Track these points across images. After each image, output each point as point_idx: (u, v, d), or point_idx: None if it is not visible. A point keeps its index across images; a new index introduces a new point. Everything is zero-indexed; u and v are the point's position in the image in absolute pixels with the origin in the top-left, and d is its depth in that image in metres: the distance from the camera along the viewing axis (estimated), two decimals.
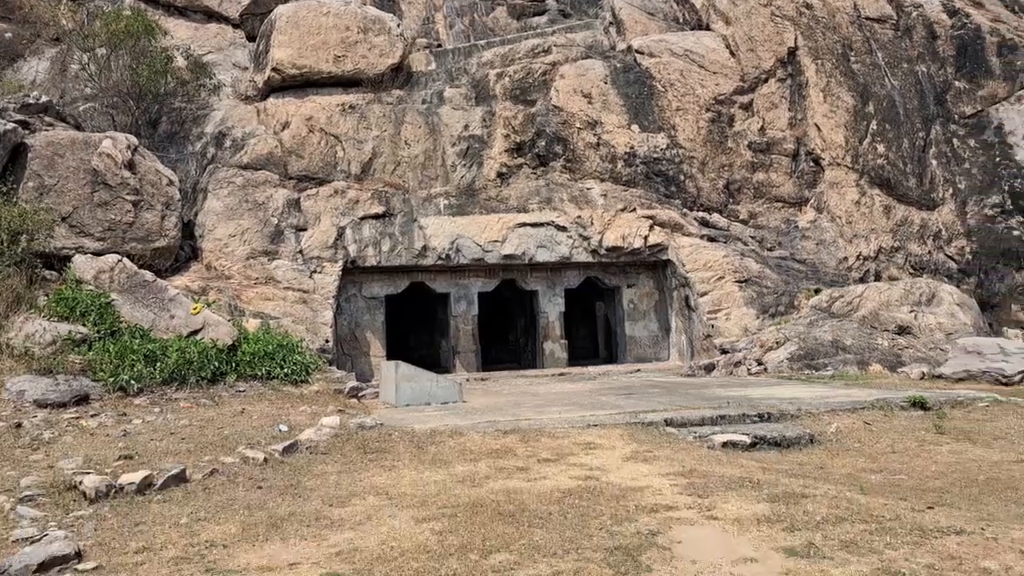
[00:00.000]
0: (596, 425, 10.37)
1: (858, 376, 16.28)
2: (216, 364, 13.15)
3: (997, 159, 25.19)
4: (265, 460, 8.38)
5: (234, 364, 13.41)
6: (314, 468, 8.27)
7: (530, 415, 11.58)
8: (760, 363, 18.21)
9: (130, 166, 17.48)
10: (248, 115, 21.27)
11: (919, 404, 11.44)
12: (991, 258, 23.71)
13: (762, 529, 5.73)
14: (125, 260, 15.41)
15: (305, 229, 19.36)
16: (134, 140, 18.15)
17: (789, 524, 5.81)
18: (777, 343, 18.65)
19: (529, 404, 13.35)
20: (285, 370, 13.40)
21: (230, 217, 19.15)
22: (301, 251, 19.08)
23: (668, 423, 10.63)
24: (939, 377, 14.71)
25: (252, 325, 17.36)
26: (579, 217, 20.38)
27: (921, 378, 15.08)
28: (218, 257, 18.66)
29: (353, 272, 19.61)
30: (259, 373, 13.26)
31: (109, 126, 20.31)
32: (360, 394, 15.49)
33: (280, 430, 9.85)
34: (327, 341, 17.72)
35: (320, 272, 18.92)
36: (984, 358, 14.34)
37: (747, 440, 9.84)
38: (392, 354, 22.40)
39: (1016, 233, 24.12)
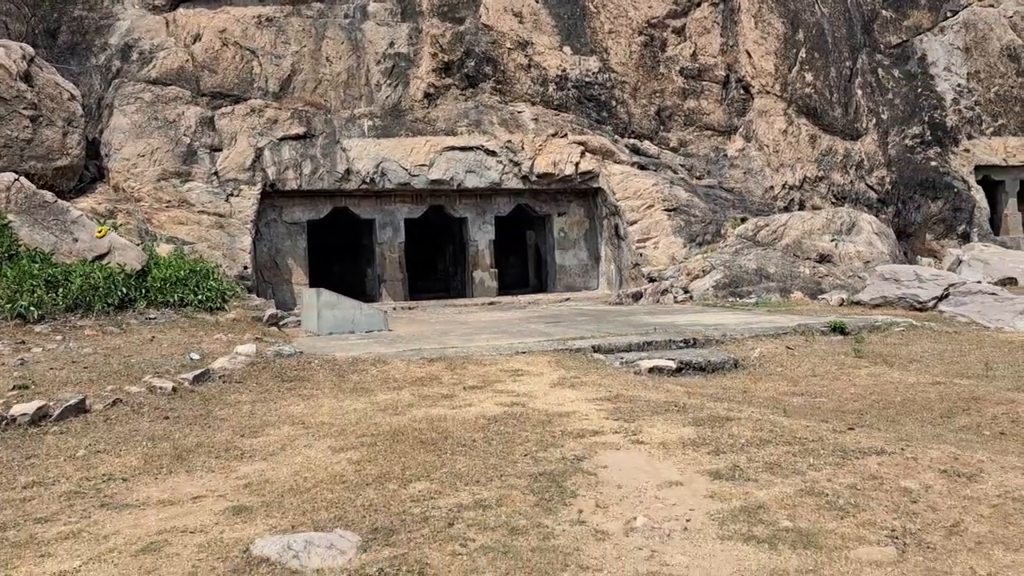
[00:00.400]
0: (524, 352, 10.21)
1: (780, 303, 16.57)
2: (124, 290, 12.42)
3: (919, 90, 25.64)
4: (174, 389, 7.92)
5: (144, 290, 12.70)
6: (227, 397, 7.87)
7: (457, 343, 11.35)
8: (686, 291, 18.37)
9: (26, 78, 16.12)
10: (156, 26, 19.79)
11: (839, 329, 11.65)
12: (909, 188, 24.32)
13: (687, 453, 5.65)
14: (23, 179, 14.30)
15: (220, 150, 18.36)
16: (30, 50, 16.72)
17: (714, 447, 5.74)
18: (703, 271, 18.80)
19: (457, 332, 13.11)
20: (199, 297, 12.77)
21: (139, 135, 17.98)
22: (216, 173, 18.13)
23: (596, 349, 10.55)
24: (857, 303, 15.07)
25: (164, 250, 16.51)
26: (509, 142, 19.89)
27: (840, 304, 15.43)
28: (127, 178, 17.57)
29: (273, 196, 18.79)
30: (171, 300, 12.61)
31: (2, 35, 18.63)
32: (281, 322, 14.98)
33: (191, 358, 9.36)
34: (246, 268, 17.03)
35: (237, 195, 18.05)
36: (900, 285, 14.72)
37: (673, 365, 9.83)
38: (315, 282, 21.78)
39: (933, 164, 24.75)
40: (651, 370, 9.69)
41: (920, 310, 14.07)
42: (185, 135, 18.24)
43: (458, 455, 5.67)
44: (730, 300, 17.79)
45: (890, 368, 9.45)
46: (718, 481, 5.04)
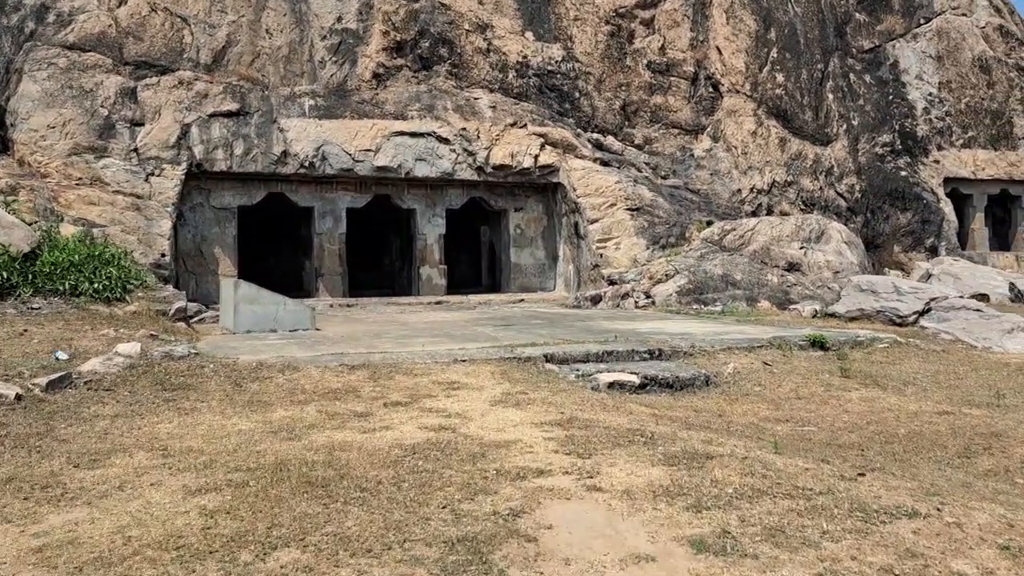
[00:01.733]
0: (465, 360, 8.76)
1: (749, 312, 15.38)
2: (6, 274, 10.67)
3: (890, 97, 24.83)
4: (17, 398, 6.30)
5: (31, 276, 10.96)
6: (82, 410, 6.27)
7: (389, 347, 9.85)
8: (648, 296, 17.10)
9: None
10: None
11: (818, 344, 10.44)
12: (878, 197, 23.46)
13: (660, 507, 4.26)
14: None
15: (142, 124, 16.56)
16: None
17: (695, 499, 4.37)
18: (667, 276, 17.57)
19: (393, 334, 11.61)
20: (95, 285, 11.06)
21: (49, 104, 16.10)
22: (136, 149, 16.32)
23: (548, 359, 9.15)
24: (832, 315, 13.94)
25: (70, 232, 14.72)
26: (464, 129, 18.43)
27: (814, 316, 14.29)
28: (33, 151, 15.69)
29: (200, 177, 17.04)
30: (62, 288, 10.88)
31: None
32: (198, 317, 13.34)
33: (57, 358, 7.72)
34: (163, 255, 15.29)
35: (159, 175, 16.27)
36: (879, 297, 13.63)
37: (636, 381, 8.48)
38: (246, 274, 20.04)
39: (903, 173, 23.95)
40: (611, 385, 8.33)
41: (900, 325, 12.97)
42: (103, 106, 16.40)
43: (352, 505, 4.19)
44: (695, 307, 16.57)
45: (883, 391, 8.21)
46: (703, 556, 3.66)
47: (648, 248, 18.72)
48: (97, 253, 11.55)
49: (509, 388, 7.59)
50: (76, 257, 11.23)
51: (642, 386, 8.48)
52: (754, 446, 5.70)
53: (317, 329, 12.26)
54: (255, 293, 11.85)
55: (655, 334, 11.37)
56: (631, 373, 8.73)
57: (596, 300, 17.11)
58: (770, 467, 4.99)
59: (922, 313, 13.02)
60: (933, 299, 13.23)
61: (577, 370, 8.81)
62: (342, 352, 9.10)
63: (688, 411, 7.38)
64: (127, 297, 11.41)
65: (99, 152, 16.05)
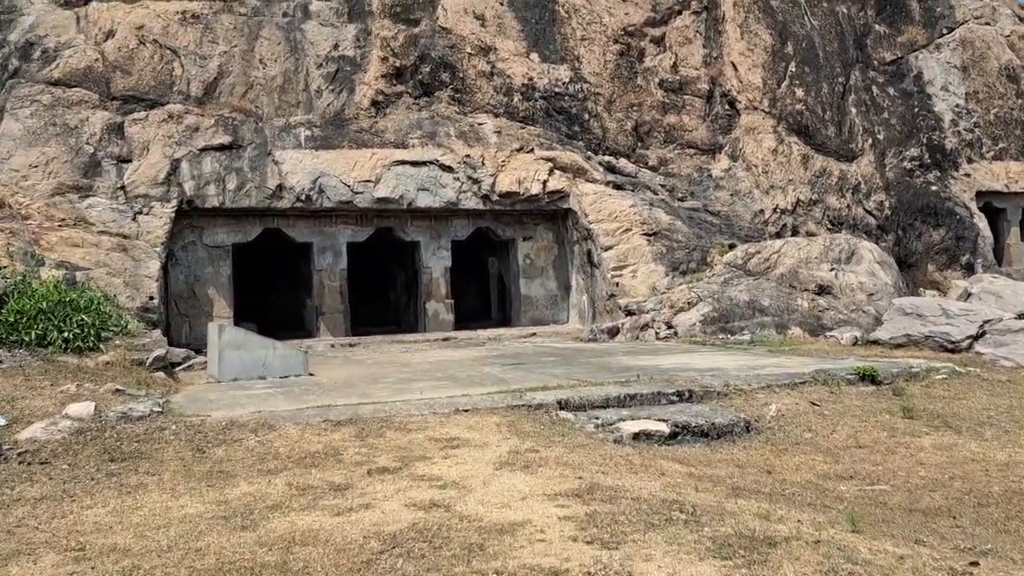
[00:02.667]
0: (467, 410, 7.65)
1: (781, 341, 14.18)
2: None
3: (916, 109, 23.73)
4: None
5: None
6: (4, 491, 5.21)
7: (385, 394, 8.77)
8: (670, 326, 15.95)
9: None
10: (66, 21, 17.18)
11: (869, 377, 9.25)
12: (909, 214, 22.26)
13: None
14: None
15: (129, 161, 15.73)
16: None
17: None
18: (689, 304, 16.42)
19: (392, 378, 10.53)
20: (65, 334, 10.07)
21: (32, 143, 15.32)
22: (123, 187, 15.47)
23: (562, 405, 8.02)
24: (875, 343, 12.73)
25: (51, 276, 13.81)
26: (468, 156, 17.48)
27: (855, 343, 13.08)
28: (14, 192, 14.86)
29: (191, 215, 16.15)
30: (27, 338, 9.90)
31: None
32: (186, 364, 12.36)
33: None
34: (151, 298, 14.34)
35: (147, 213, 15.39)
36: (926, 321, 12.42)
37: (665, 430, 7.34)
38: (245, 315, 19.11)
39: (934, 188, 22.76)
40: (637, 436, 7.19)
41: (952, 351, 11.75)
42: (88, 143, 15.60)
43: None
44: (720, 337, 15.40)
45: (958, 435, 7.02)
46: None
47: (667, 275, 17.60)
48: (69, 299, 10.57)
49: (517, 444, 6.47)
50: (45, 304, 10.26)
51: (673, 436, 7.34)
52: (823, 520, 4.54)
53: (310, 374, 11.21)
54: (241, 338, 10.82)
55: (681, 370, 10.22)
56: (659, 420, 7.59)
57: (613, 333, 15.97)
58: (854, 557, 3.84)
59: (976, 337, 11.79)
60: (987, 321, 12.00)
61: (596, 418, 7.68)
62: (329, 404, 8.02)
63: (730, 467, 6.22)
64: (101, 346, 10.41)
65: (84, 191, 15.21)
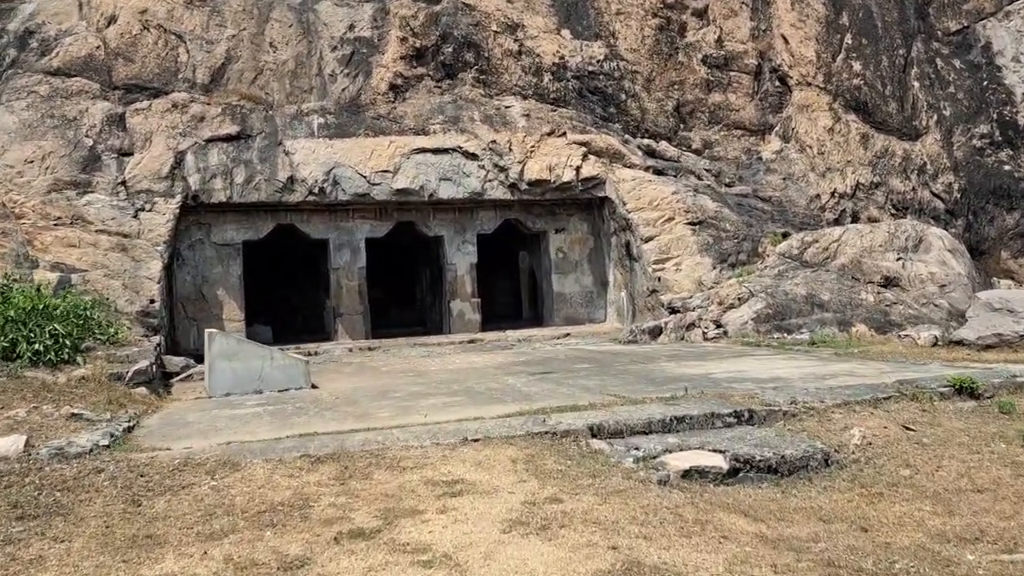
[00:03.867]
0: (478, 440, 6.28)
1: (848, 342, 12.56)
2: None
3: (984, 83, 21.69)
4: None
5: None
6: None
7: (385, 415, 7.47)
8: (719, 325, 14.41)
9: None
10: (67, 8, 16.19)
11: (966, 390, 7.66)
12: (980, 197, 20.31)
13: None
14: None
15: (131, 154, 14.68)
16: None
17: None
18: (739, 299, 14.85)
19: (401, 392, 9.22)
20: (36, 346, 8.95)
21: (27, 137, 14.34)
22: (124, 182, 14.42)
23: (595, 432, 6.60)
24: (959, 343, 11.05)
25: (45, 280, 12.81)
26: (494, 142, 16.10)
27: (934, 344, 11.41)
28: (8, 190, 13.89)
29: (198, 211, 15.06)
30: None
31: None
32: (185, 374, 11.26)
33: None
34: (152, 301, 13.26)
35: (149, 210, 14.32)
36: (1019, 317, 10.73)
37: (723, 465, 5.89)
38: (263, 317, 18.05)
39: (1007, 168, 20.75)
40: (687, 475, 5.76)
41: None
42: (88, 136, 14.58)
43: None
44: (776, 337, 13.82)
45: None
46: None
47: (714, 267, 16.03)
48: (43, 306, 9.45)
49: (536, 490, 5.10)
50: (14, 312, 9.15)
51: (733, 473, 5.89)
52: None
53: (314, 387, 9.97)
54: (234, 347, 9.61)
55: (736, 381, 8.74)
56: (714, 451, 6.14)
57: (655, 333, 14.48)
58: None
59: None
60: None
61: (636, 449, 6.25)
62: (315, 432, 6.71)
63: (813, 523, 4.76)
64: (79, 358, 9.28)
65: (82, 187, 14.19)
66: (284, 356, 9.84)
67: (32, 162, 14.21)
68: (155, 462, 5.65)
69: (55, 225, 13.67)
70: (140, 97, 15.26)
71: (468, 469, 5.59)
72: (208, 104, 15.35)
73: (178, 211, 14.51)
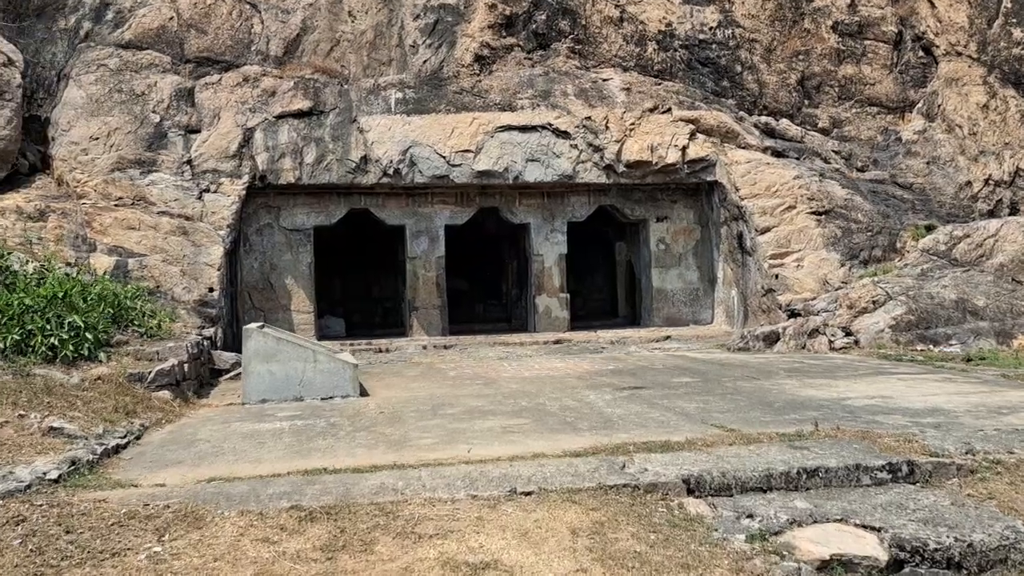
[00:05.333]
0: (531, 492, 4.65)
1: (1016, 359, 10.19)
2: None
3: None
4: None
5: None
6: None
7: (427, 442, 5.96)
8: (848, 332, 12.21)
9: None
10: None
11: None
12: None
13: None
14: None
15: (198, 131, 13.77)
16: None
17: None
18: (874, 302, 12.59)
19: (459, 407, 7.70)
20: (51, 340, 7.91)
21: (94, 112, 13.64)
22: (190, 161, 13.52)
23: (692, 487, 4.85)
24: None
25: (102, 265, 12.03)
26: (589, 119, 14.35)
27: None
28: (72, 168, 13.22)
29: (266, 193, 14.03)
30: (2, 344, 7.80)
31: None
32: (233, 374, 10.15)
33: None
34: (211, 290, 12.26)
35: (214, 191, 13.37)
36: None
37: (881, 556, 4.06)
38: (338, 308, 16.99)
39: None
40: (826, 567, 3.96)
41: None
42: (155, 112, 13.76)
43: None
44: (920, 349, 11.54)
45: None
46: None
47: (843, 265, 13.77)
48: (64, 291, 8.42)
49: None
50: (31, 300, 8.15)
51: (895, 567, 4.04)
52: None
53: (364, 394, 8.60)
54: (273, 347, 8.32)
55: (881, 411, 6.76)
56: (863, 528, 4.31)
57: (771, 340, 12.42)
58: None
59: None
60: None
61: (749, 517, 4.47)
62: (324, 469, 5.25)
63: None
64: (100, 354, 8.20)
65: (146, 166, 13.36)
66: (330, 359, 8.49)
67: (97, 139, 13.49)
68: (96, 512, 4.29)
69: (116, 206, 12.88)
70: (211, 71, 14.34)
71: (508, 542, 3.97)
72: (280, 78, 14.28)
73: (244, 193, 13.51)
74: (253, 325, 8.59)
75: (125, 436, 6.22)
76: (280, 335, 8.61)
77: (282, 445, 6.10)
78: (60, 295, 8.34)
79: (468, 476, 4.89)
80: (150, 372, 7.95)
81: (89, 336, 8.18)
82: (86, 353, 8.11)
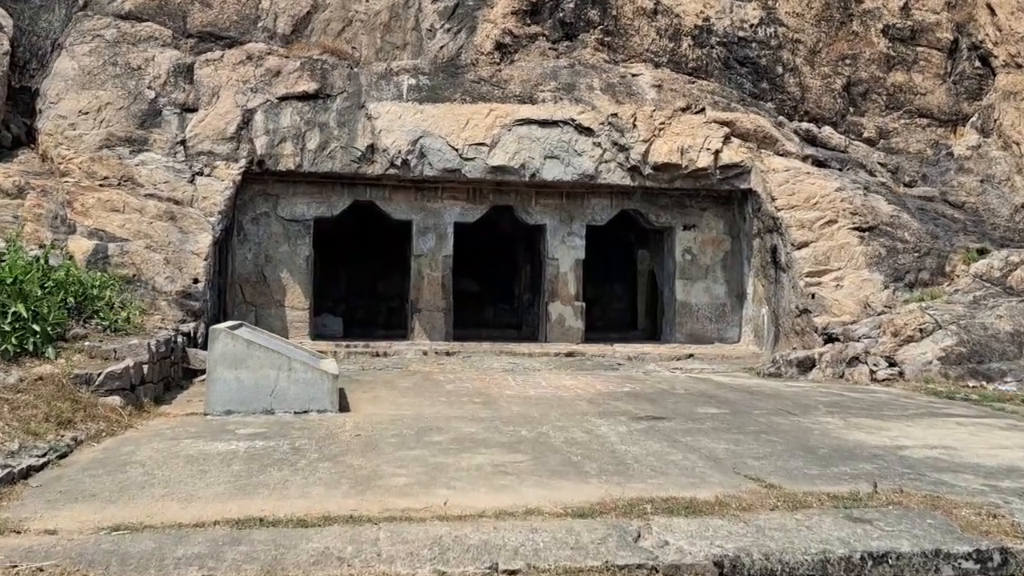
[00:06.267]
0: (515, 573, 3.58)
1: None
2: None
3: None
4: None
5: None
6: None
7: (398, 485, 4.92)
8: (892, 363, 11.03)
9: None
10: None
11: None
12: None
13: None
14: None
15: (195, 110, 12.82)
16: None
17: None
18: (921, 330, 11.39)
19: (447, 433, 6.65)
20: None
21: (85, 85, 12.73)
22: (184, 141, 12.58)
23: (725, 572, 3.76)
24: None
25: (80, 248, 11.11)
26: (615, 116, 13.26)
27: None
28: (58, 143, 12.32)
29: (264, 180, 13.06)
30: None
31: None
32: (202, 377, 9.11)
33: None
34: (195, 281, 11.30)
35: (208, 175, 12.42)
36: None
37: None
38: (340, 305, 16.03)
39: None
40: None
41: None
42: (150, 87, 12.83)
43: None
44: (972, 385, 10.36)
45: None
46: None
47: (886, 287, 12.58)
48: (11, 280, 7.45)
49: None
50: None
51: None
52: None
53: (343, 408, 7.57)
54: (242, 351, 7.31)
55: (947, 467, 5.64)
56: None
57: (806, 366, 11.26)
58: None
59: None
60: None
61: None
62: (260, 519, 4.20)
63: None
64: (49, 350, 7.23)
65: (137, 145, 12.44)
66: (307, 368, 7.46)
67: (87, 113, 12.58)
68: None
69: (100, 186, 11.95)
70: (213, 47, 13.39)
71: None
72: (286, 57, 13.30)
73: (240, 177, 12.55)
74: (223, 325, 7.60)
75: (45, 455, 5.23)
76: (253, 337, 7.60)
77: (227, 476, 5.08)
78: (10, 281, 7.36)
79: (439, 543, 3.82)
80: (99, 374, 6.96)
81: (36, 328, 7.21)
82: (31, 348, 7.14)
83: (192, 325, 10.65)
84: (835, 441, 6.69)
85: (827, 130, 14.61)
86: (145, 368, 7.59)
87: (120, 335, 8.52)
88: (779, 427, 7.27)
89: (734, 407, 8.39)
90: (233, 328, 7.68)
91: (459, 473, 5.28)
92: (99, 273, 9.49)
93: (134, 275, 11.00)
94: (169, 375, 8.74)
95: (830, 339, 11.87)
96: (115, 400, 6.89)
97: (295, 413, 7.31)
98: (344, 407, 7.67)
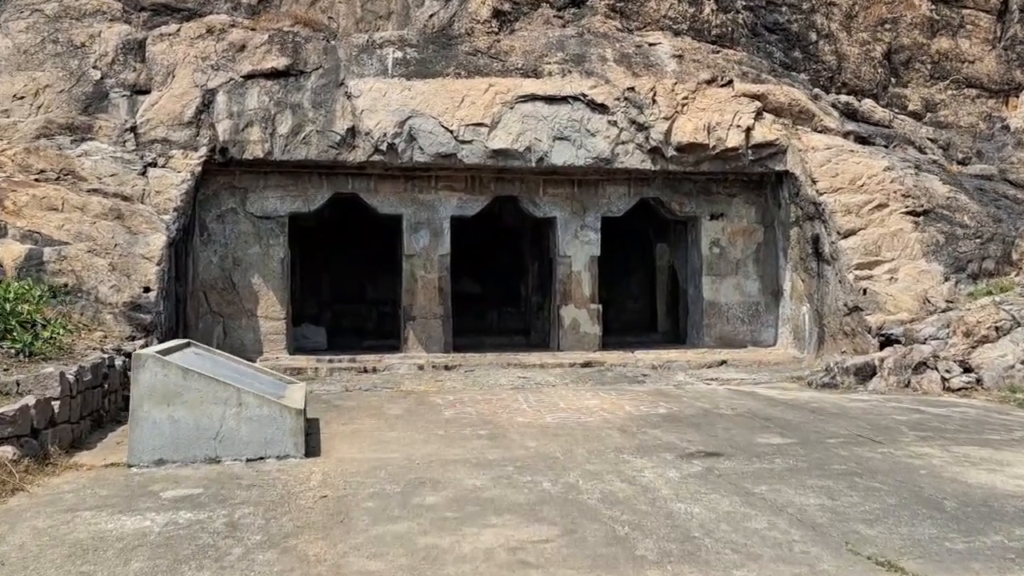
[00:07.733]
0: None
1: None
2: None
3: None
4: None
5: None
6: None
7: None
8: (967, 368, 9.36)
9: None
10: None
11: None
12: None
13: None
14: None
15: (148, 91, 11.15)
16: None
17: None
18: (997, 329, 9.74)
19: (446, 490, 5.01)
20: None
21: (21, 66, 11.07)
22: (134, 128, 10.91)
23: None
24: None
25: (10, 254, 9.45)
26: (632, 90, 11.58)
27: None
28: None
29: (230, 171, 11.38)
30: None
31: None
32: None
33: None
34: (146, 290, 9.61)
35: (162, 165, 10.74)
36: None
37: None
38: (327, 312, 14.37)
39: None
40: None
41: None
42: (96, 67, 11.17)
43: None
44: None
45: None
46: None
47: (947, 279, 10.92)
48: None
49: None
50: None
51: None
52: None
53: (312, 452, 5.89)
54: (176, 382, 5.63)
55: None
56: None
57: (865, 374, 9.59)
58: None
59: None
60: None
61: None
62: None
63: None
64: None
65: (80, 132, 10.77)
66: (261, 402, 5.78)
67: (22, 98, 10.92)
68: None
69: (36, 180, 10.27)
70: (168, 20, 11.71)
71: None
72: (252, 30, 11.62)
73: (200, 168, 10.87)
74: (151, 349, 5.93)
75: None
76: (193, 364, 5.92)
77: None
78: None
79: None
80: None
81: None
82: None
83: (141, 342, 8.97)
84: (955, 487, 5.04)
85: (868, 103, 12.95)
86: (56, 406, 5.92)
87: (36, 361, 6.86)
88: (871, 465, 5.62)
89: (800, 434, 6.72)
90: (168, 352, 6.01)
91: (460, 564, 3.63)
92: (10, 285, 7.81)
93: (74, 284, 9.33)
94: (101, 408, 7.06)
95: (887, 341, 10.20)
96: (5, 452, 5.22)
97: (247, 461, 5.65)
98: (313, 449, 6.01)
